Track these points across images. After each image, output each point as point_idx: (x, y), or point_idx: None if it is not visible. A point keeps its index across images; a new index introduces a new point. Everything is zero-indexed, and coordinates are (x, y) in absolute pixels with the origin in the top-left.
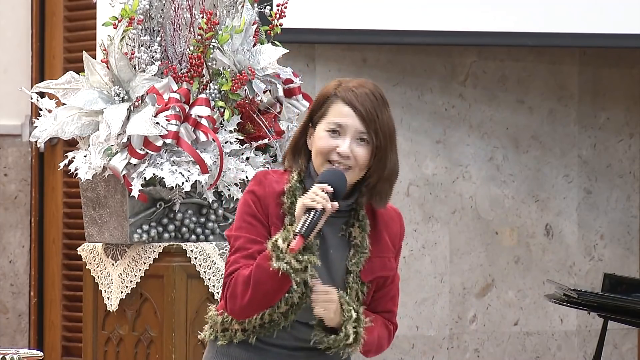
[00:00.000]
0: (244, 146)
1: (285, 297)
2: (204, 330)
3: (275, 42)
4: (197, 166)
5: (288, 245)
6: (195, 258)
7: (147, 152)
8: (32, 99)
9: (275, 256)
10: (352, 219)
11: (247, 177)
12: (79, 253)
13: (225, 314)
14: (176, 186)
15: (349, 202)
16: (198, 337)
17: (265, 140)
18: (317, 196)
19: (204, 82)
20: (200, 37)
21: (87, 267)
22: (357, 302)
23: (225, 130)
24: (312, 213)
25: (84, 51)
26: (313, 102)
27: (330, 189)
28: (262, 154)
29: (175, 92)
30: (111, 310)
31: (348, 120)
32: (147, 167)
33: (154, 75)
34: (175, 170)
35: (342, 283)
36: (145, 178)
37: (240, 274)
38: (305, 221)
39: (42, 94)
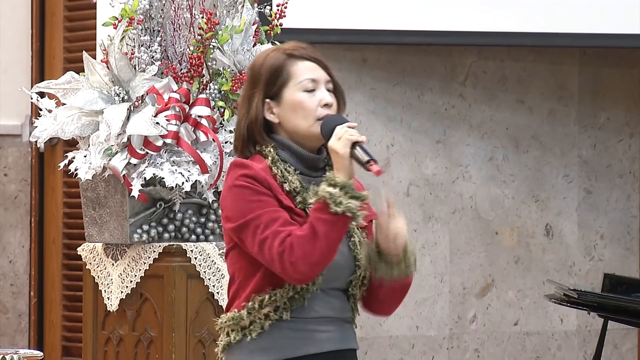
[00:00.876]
0: None
1: None
2: (227, 337)
3: (275, 42)
4: (197, 166)
5: (341, 188)
6: (195, 258)
7: (147, 152)
8: (32, 99)
9: (332, 203)
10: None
11: None
12: (79, 253)
13: (250, 304)
14: (176, 186)
15: (324, 156)
16: (216, 351)
17: None
18: (353, 131)
19: (204, 82)
20: (200, 37)
21: (87, 267)
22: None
23: (225, 130)
24: (359, 144)
25: (84, 51)
26: (260, 78)
27: (356, 124)
28: None
29: (175, 92)
30: (111, 310)
31: (317, 72)
32: (147, 167)
33: (154, 75)
34: (175, 170)
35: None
36: (145, 178)
37: (296, 237)
38: (364, 151)
39: (42, 94)
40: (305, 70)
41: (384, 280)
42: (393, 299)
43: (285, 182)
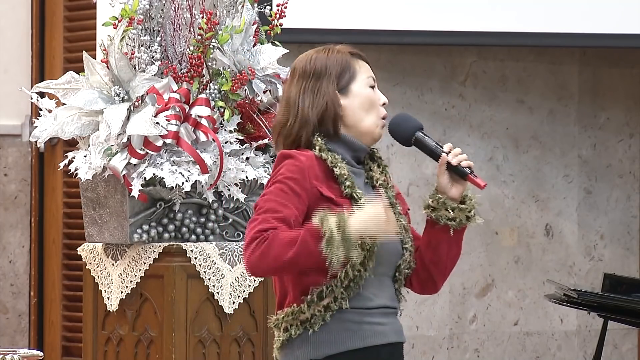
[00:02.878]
0: (244, 146)
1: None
2: (286, 333)
3: (275, 42)
4: (197, 166)
5: (343, 237)
6: (195, 258)
7: (147, 152)
8: (32, 99)
9: (326, 243)
10: (371, 163)
11: (247, 177)
12: (79, 253)
13: (309, 297)
14: (176, 186)
15: (368, 150)
16: (275, 347)
17: (265, 140)
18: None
19: (204, 82)
20: (200, 37)
21: (87, 267)
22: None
23: (225, 130)
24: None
25: (84, 51)
26: (326, 70)
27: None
28: (262, 154)
29: (175, 92)
30: (111, 310)
31: (373, 74)
32: (147, 167)
33: (154, 75)
34: (175, 170)
35: None
36: (145, 178)
37: (280, 235)
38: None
39: (42, 94)
40: (366, 70)
41: (445, 231)
42: (448, 261)
43: (336, 167)
